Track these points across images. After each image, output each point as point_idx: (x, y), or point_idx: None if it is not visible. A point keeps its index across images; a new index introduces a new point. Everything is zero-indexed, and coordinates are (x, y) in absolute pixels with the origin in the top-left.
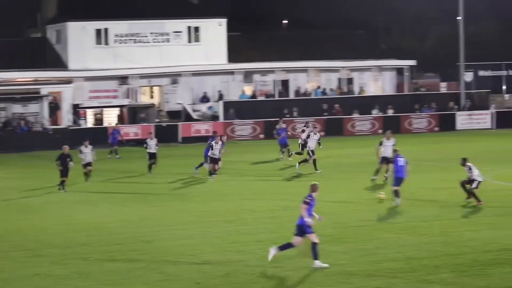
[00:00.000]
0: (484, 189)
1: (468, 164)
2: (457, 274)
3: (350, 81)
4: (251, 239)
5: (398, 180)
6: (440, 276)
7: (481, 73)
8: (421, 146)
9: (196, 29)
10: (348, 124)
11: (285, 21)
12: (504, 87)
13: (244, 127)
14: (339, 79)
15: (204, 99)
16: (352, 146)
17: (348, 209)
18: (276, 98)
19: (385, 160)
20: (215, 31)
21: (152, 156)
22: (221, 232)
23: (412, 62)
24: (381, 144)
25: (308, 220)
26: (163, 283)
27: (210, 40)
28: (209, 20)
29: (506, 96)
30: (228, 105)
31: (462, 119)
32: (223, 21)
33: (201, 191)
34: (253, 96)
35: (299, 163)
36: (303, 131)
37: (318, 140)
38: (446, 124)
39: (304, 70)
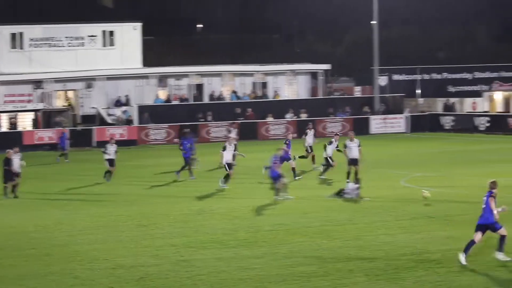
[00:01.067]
0: (398, 193)
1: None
2: (371, 278)
3: (264, 85)
4: (165, 243)
5: (272, 179)
6: (353, 280)
7: (396, 77)
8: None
9: (111, 33)
10: (262, 128)
11: (200, 25)
12: (418, 91)
13: (158, 131)
14: (254, 83)
15: (118, 103)
16: (266, 150)
17: (262, 213)
18: (191, 102)
19: (353, 162)
20: (130, 35)
21: (111, 162)
22: (135, 236)
23: (327, 66)
24: (345, 146)
25: (495, 212)
26: (77, 287)
27: (125, 44)
28: (124, 24)
29: (420, 100)
30: (142, 109)
31: (376, 123)
32: (138, 25)
33: (115, 195)
34: (168, 100)
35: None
36: (306, 134)
37: (337, 147)
38: (360, 128)
39: (218, 74)
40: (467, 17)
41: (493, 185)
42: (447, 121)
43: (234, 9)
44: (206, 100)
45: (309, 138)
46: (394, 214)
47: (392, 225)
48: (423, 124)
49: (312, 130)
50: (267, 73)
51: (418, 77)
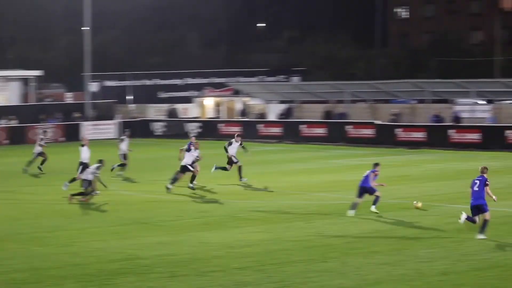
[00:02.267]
0: (111, 199)
1: None
2: (84, 284)
3: None
4: None
5: None
6: (66, 286)
7: (108, 83)
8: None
9: None
10: None
11: None
12: (129, 97)
13: None
14: None
15: None
16: None
17: None
18: None
19: (185, 169)
20: None
21: None
22: None
23: (38, 73)
24: (188, 150)
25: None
26: None
27: None
28: None
29: (132, 106)
30: None
31: (88, 129)
32: None
33: None
34: None
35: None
36: (121, 140)
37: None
38: (72, 134)
39: None
40: (177, 23)
41: (484, 170)
42: (158, 127)
43: None
44: None
45: (124, 146)
46: (107, 219)
47: (104, 231)
48: (135, 129)
49: (128, 138)
50: None
51: (129, 83)
